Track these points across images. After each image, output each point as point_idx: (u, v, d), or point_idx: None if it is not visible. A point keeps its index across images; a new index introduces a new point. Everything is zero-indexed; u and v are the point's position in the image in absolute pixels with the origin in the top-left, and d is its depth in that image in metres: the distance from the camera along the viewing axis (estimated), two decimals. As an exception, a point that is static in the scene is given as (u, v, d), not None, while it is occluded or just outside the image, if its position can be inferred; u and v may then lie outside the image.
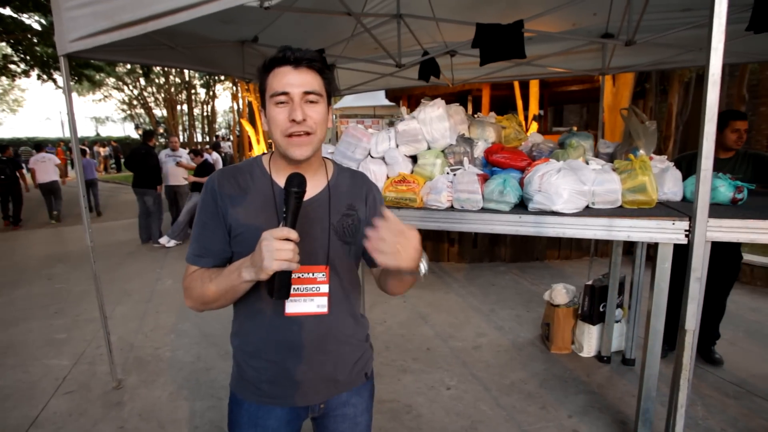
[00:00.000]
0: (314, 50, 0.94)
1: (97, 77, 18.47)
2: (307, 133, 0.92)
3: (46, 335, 3.48)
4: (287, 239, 0.80)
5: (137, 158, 6.34)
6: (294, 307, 0.98)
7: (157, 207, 6.47)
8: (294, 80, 0.89)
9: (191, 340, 3.35)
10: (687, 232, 1.73)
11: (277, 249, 0.79)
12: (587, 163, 2.08)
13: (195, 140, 23.34)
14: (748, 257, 4.39)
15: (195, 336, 3.41)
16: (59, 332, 3.53)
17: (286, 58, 0.90)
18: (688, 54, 3.50)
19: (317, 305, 0.98)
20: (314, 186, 1.00)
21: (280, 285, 0.83)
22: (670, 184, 2.11)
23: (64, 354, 3.16)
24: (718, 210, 1.86)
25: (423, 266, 0.92)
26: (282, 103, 0.90)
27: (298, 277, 0.97)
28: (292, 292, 0.95)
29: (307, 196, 0.96)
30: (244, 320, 1.03)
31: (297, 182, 0.85)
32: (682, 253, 2.12)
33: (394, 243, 0.80)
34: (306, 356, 0.99)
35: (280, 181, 0.97)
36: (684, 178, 2.20)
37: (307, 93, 0.90)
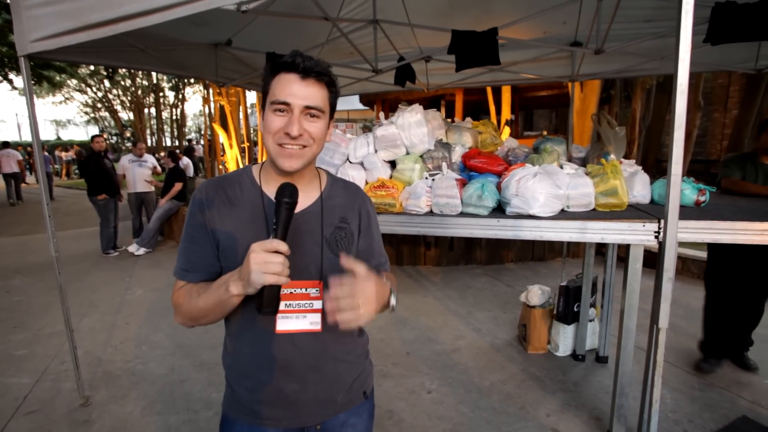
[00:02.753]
0: (318, 58, 0.89)
1: (58, 78, 17.66)
2: (302, 146, 0.89)
3: (4, 351, 3.27)
4: (277, 252, 0.77)
5: (82, 165, 6.25)
6: (286, 324, 0.93)
7: (102, 215, 6.08)
8: (298, 92, 0.85)
9: (164, 351, 3.23)
10: (656, 234, 1.81)
11: (266, 262, 0.75)
12: (561, 168, 2.14)
13: (164, 144, 22.64)
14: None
15: (168, 347, 3.29)
16: (19, 348, 3.33)
17: (295, 65, 0.85)
18: (651, 63, 3.68)
19: (310, 322, 0.94)
20: (306, 198, 0.97)
21: (268, 300, 0.79)
22: (639, 187, 2.20)
23: (25, 371, 2.98)
24: (684, 212, 1.95)
25: (392, 301, 0.93)
26: (281, 111, 0.86)
27: (290, 293, 0.93)
28: (283, 308, 0.92)
29: (298, 208, 0.93)
30: (235, 338, 0.98)
31: (288, 192, 0.81)
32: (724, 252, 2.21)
33: (353, 302, 0.76)
34: (299, 376, 0.95)
35: (270, 192, 0.93)
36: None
37: (308, 108, 0.87)
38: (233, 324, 0.99)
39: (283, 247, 0.77)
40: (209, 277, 0.93)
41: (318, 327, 0.94)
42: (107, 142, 6.54)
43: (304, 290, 0.94)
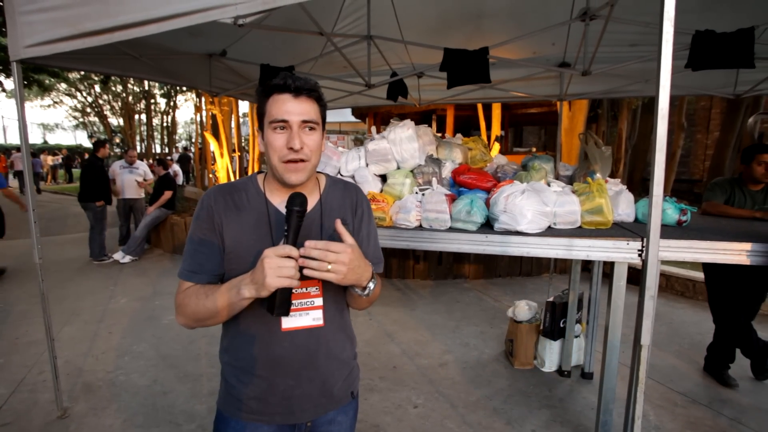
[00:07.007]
0: (306, 77, 0.98)
1: (47, 82, 17.48)
2: (303, 160, 0.95)
3: (-19, 360, 3.18)
4: (289, 257, 0.82)
5: (83, 169, 6.09)
6: (290, 322, 0.99)
7: (97, 222, 6.00)
8: (293, 109, 0.93)
9: (147, 362, 3.17)
10: (640, 252, 1.85)
11: (279, 266, 0.81)
12: (549, 185, 2.19)
13: (153, 151, 22.43)
14: (691, 273, 4.72)
15: (151, 358, 3.23)
16: (-4, 357, 3.24)
17: (287, 86, 0.93)
18: (636, 85, 3.80)
19: (313, 318, 1.00)
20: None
21: (281, 302, 0.85)
22: (624, 206, 2.25)
23: (0, 381, 2.89)
24: (666, 231, 2.00)
25: (370, 285, 0.95)
26: (281, 129, 0.94)
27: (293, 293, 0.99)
28: None
29: None
30: (235, 336, 1.03)
31: (299, 201, 0.88)
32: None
33: (323, 261, 0.83)
34: (295, 372, 1.00)
35: (274, 200, 1.01)
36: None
37: (305, 122, 0.94)
38: (233, 323, 1.03)
39: (294, 252, 0.84)
40: (214, 280, 0.99)
41: (320, 322, 1.01)
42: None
43: (305, 290, 1.00)
